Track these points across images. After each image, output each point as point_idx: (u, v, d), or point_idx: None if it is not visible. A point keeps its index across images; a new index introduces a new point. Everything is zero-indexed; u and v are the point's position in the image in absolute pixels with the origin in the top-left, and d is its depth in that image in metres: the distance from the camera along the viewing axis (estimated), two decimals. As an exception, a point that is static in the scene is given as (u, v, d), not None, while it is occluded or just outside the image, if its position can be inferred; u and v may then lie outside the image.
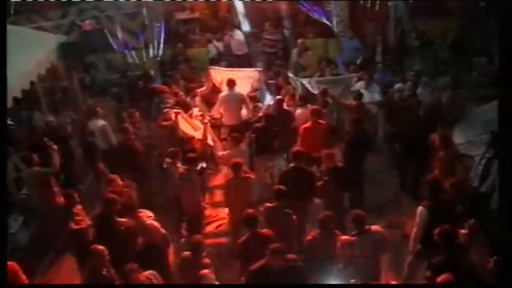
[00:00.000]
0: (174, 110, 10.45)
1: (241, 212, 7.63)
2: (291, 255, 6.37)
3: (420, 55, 14.53)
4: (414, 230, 7.31)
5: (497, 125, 6.39)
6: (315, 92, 11.53)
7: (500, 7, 6.46)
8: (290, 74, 13.12)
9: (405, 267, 7.61)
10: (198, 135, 10.02)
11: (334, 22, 15.02)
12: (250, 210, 7.43)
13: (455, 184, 7.35)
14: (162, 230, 7.51)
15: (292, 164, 8.63)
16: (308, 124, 9.85)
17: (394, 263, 8.07)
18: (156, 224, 7.36)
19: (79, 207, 8.22)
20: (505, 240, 5.33)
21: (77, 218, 8.01)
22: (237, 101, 11.23)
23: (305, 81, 12.17)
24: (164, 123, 10.37)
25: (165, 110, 10.55)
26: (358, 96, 11.00)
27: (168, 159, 9.17)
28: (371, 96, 11.70)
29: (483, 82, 13.32)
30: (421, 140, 9.44)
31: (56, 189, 9.17)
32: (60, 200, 8.49)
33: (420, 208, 7.17)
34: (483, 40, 14.91)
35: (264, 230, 7.10)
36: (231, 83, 11.19)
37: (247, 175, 8.70)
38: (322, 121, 9.97)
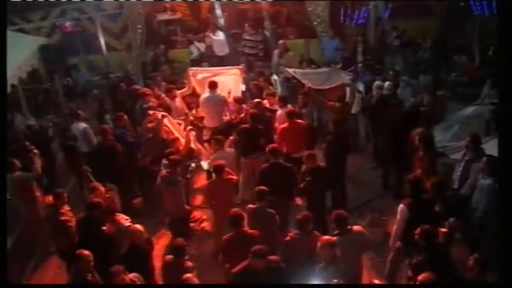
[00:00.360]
0: (161, 113, 10.42)
1: (225, 214, 7.66)
2: (273, 257, 6.38)
3: (401, 55, 14.65)
4: (395, 227, 7.38)
5: (498, 128, 6.42)
6: (303, 80, 11.23)
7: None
8: (274, 76, 13.13)
9: (387, 264, 7.69)
10: (182, 139, 10.00)
11: (315, 22, 15.10)
12: (236, 210, 7.39)
13: (436, 184, 7.42)
14: (145, 234, 7.49)
15: (270, 161, 8.65)
16: (285, 124, 9.79)
17: (376, 263, 8.15)
18: (139, 227, 7.34)
19: (66, 207, 8.21)
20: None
21: (65, 218, 8.00)
22: (219, 103, 11.14)
23: (290, 70, 12.16)
24: (149, 125, 10.34)
25: (150, 112, 10.53)
26: (342, 97, 11.01)
27: (165, 161, 9.12)
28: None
29: (464, 81, 13.50)
30: (403, 139, 9.51)
31: (38, 193, 9.16)
32: (49, 199, 8.45)
33: (401, 206, 7.22)
34: (464, 39, 15.13)
35: (250, 230, 7.09)
36: (213, 85, 11.08)
37: (230, 176, 8.68)
38: (300, 121, 9.95)
